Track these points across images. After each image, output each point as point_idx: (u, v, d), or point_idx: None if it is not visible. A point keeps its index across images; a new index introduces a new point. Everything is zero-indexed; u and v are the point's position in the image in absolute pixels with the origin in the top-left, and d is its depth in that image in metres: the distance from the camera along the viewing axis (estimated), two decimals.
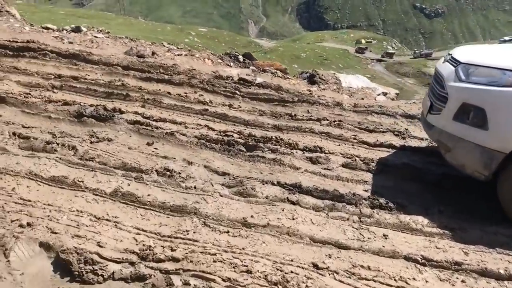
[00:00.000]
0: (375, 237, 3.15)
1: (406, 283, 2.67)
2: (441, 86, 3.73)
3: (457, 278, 2.75)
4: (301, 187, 3.76)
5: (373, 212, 3.49)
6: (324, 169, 4.21)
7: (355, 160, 4.41)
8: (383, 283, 2.66)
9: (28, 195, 3.35)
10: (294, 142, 4.62)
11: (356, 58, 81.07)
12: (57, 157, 3.92)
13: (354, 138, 4.89)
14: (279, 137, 4.69)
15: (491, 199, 3.58)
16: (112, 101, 5.37)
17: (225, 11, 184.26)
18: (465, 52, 3.90)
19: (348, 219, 3.41)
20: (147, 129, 4.61)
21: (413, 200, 3.73)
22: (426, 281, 2.71)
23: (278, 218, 3.31)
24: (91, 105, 5.06)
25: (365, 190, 3.90)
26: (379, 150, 4.72)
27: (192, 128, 4.84)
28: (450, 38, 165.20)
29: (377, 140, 4.87)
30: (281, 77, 6.79)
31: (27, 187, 3.47)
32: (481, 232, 3.21)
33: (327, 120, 5.28)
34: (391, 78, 70.22)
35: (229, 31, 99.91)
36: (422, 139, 5.05)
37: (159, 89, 5.79)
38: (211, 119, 5.18)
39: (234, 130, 4.85)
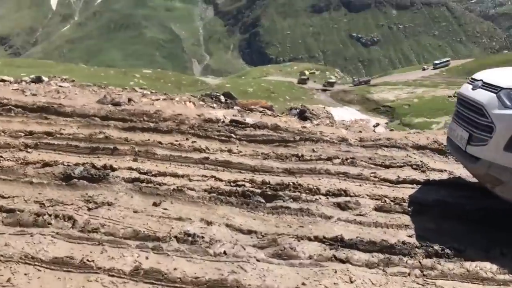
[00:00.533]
0: None
1: None
2: (481, 114, 3.43)
3: None
4: (343, 240, 3.32)
5: (434, 262, 3.08)
6: (358, 215, 3.80)
7: (385, 201, 4.03)
8: None
9: (29, 286, 2.70)
10: (314, 187, 4.18)
11: (302, 89, 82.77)
12: (52, 231, 3.28)
13: (375, 176, 4.52)
14: (296, 182, 4.25)
15: None
16: (99, 158, 4.75)
17: (167, 52, 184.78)
18: (502, 77, 3.63)
19: (409, 274, 2.98)
20: (149, 186, 4.03)
21: (465, 242, 3.36)
22: None
23: (334, 283, 2.84)
24: (76, 164, 4.43)
25: (410, 236, 3.51)
26: (403, 187, 4.37)
27: (198, 180, 4.31)
28: (388, 64, 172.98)
29: (398, 176, 4.53)
30: (270, 115, 6.41)
31: (25, 275, 2.82)
32: None
33: (338, 158, 4.90)
34: (338, 106, 72.06)
35: (173, 71, 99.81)
36: (441, 171, 4.76)
37: (148, 139, 5.23)
38: (214, 168, 4.67)
39: (244, 178, 4.35)
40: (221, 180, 4.34)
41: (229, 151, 5.08)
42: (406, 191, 4.29)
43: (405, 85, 76.44)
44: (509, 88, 3.31)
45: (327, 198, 4.07)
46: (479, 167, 3.48)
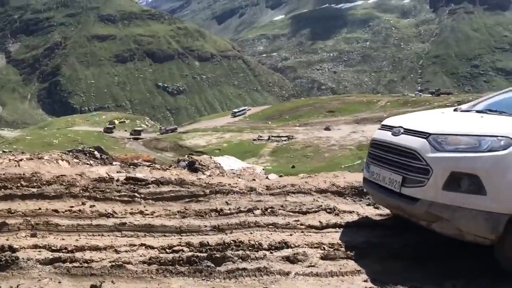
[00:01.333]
0: None
1: None
2: (415, 158, 3.72)
3: None
4: None
5: None
6: (310, 266, 3.75)
7: (324, 248, 4.08)
8: None
9: None
10: (256, 243, 4.00)
11: (113, 138, 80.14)
12: None
13: (301, 224, 4.57)
14: (237, 239, 4.01)
15: (480, 259, 3.73)
16: None
17: None
18: (425, 123, 4.05)
19: None
20: (78, 266, 3.32)
21: (416, 280, 3.59)
22: None
23: None
24: None
25: (366, 281, 3.59)
26: (329, 232, 4.51)
27: (127, 251, 3.73)
28: (195, 111, 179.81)
29: (320, 222, 4.65)
30: (160, 169, 5.98)
31: None
32: None
33: (258, 209, 4.82)
34: (152, 154, 71.47)
35: None
36: (350, 212, 5.06)
37: (39, 208, 4.35)
38: (134, 234, 4.12)
39: (180, 242, 3.93)
40: (152, 248, 3.84)
41: (141, 212, 4.55)
42: (335, 236, 4.41)
43: (214, 131, 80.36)
44: (437, 134, 3.71)
45: (272, 252, 3.93)
46: (418, 207, 3.70)
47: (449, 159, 3.54)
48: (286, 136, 79.69)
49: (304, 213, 4.90)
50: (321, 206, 5.09)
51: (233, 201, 5.06)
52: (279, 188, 5.44)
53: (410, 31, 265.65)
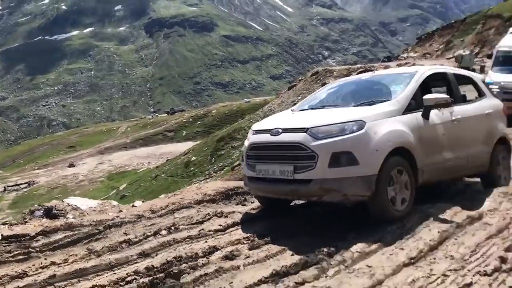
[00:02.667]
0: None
1: None
2: (301, 149, 4.75)
3: None
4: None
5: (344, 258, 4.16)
6: (247, 257, 4.36)
7: (244, 242, 4.73)
8: None
9: None
10: (192, 253, 4.38)
11: None
12: None
13: (208, 231, 5.07)
14: (176, 256, 4.31)
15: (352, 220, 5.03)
16: None
17: None
18: (301, 121, 5.13)
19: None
20: None
21: (324, 244, 4.59)
22: None
23: None
24: None
25: (292, 254, 4.42)
26: (233, 231, 5.15)
27: None
28: None
29: (220, 225, 5.23)
30: (18, 224, 5.44)
31: None
32: None
33: (162, 230, 5.07)
34: None
35: None
36: (233, 212, 5.78)
37: None
38: (68, 283, 3.92)
39: (127, 274, 3.98)
40: (105, 286, 3.79)
41: (53, 263, 4.28)
42: (240, 232, 5.09)
43: None
44: (312, 127, 4.81)
45: (208, 257, 4.35)
46: (312, 186, 4.72)
47: (328, 144, 4.69)
48: (25, 183, 72.50)
49: (201, 222, 5.38)
50: (209, 213, 5.65)
51: (130, 230, 5.14)
52: (163, 209, 5.73)
53: (132, 56, 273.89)
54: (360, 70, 27.74)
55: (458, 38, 54.01)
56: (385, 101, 5.32)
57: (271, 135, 5.07)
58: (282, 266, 3.94)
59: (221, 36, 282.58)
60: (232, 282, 3.80)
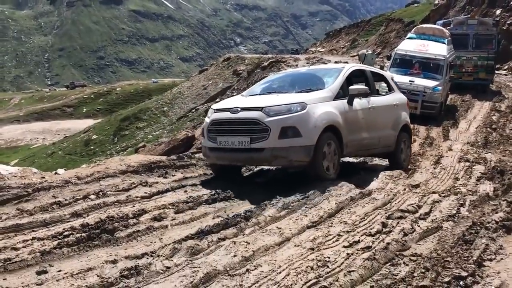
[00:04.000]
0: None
1: None
2: (257, 124, 5.92)
3: None
4: (203, 231, 4.51)
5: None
6: (173, 220, 4.91)
7: (169, 208, 5.25)
8: None
9: None
10: (123, 214, 4.84)
11: None
12: None
13: (135, 197, 5.52)
14: (107, 216, 4.72)
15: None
16: None
17: None
18: (253, 102, 6.33)
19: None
20: None
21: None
22: None
23: None
24: None
25: (213, 218, 5.06)
26: (158, 198, 5.65)
27: (26, 246, 3.94)
28: None
29: (146, 193, 5.71)
30: None
31: None
32: None
33: (91, 194, 5.42)
34: None
35: None
36: (157, 182, 6.26)
37: None
38: (5, 236, 4.20)
39: (64, 229, 4.36)
40: (43, 239, 4.14)
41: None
42: (165, 199, 5.62)
43: None
44: (266, 107, 6.01)
45: (138, 219, 4.83)
46: (265, 153, 5.94)
47: (279, 120, 5.93)
48: None
49: (127, 190, 5.81)
50: (134, 183, 6.08)
51: (59, 194, 5.43)
52: (89, 177, 6.04)
53: (29, 23, 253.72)
54: (271, 60, 28.84)
55: (363, 37, 57.90)
56: (320, 89, 6.70)
57: (231, 112, 6.21)
58: (206, 225, 4.56)
59: (130, 10, 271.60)
60: (162, 238, 4.34)
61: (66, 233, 4.29)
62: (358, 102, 6.98)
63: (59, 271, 3.53)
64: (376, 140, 7.53)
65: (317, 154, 6.05)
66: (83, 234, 4.24)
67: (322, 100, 6.38)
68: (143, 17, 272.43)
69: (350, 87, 6.89)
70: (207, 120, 6.65)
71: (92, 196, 5.39)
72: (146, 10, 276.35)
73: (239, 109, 6.19)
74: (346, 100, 6.76)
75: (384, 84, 8.92)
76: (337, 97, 6.66)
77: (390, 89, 8.56)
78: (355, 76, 7.68)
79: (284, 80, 7.82)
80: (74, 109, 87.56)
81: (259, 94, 7.13)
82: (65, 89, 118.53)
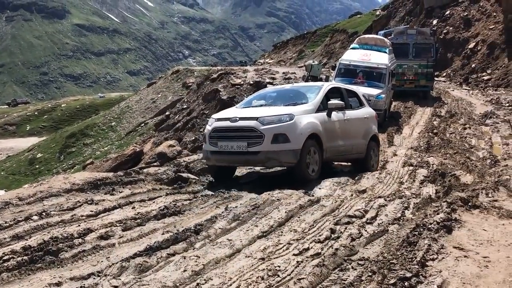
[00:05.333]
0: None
1: None
2: (253, 131, 7.04)
3: None
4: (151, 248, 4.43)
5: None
6: (121, 237, 4.80)
7: (116, 225, 5.13)
8: None
9: None
10: (68, 235, 4.66)
11: None
12: None
13: (81, 216, 5.35)
14: (51, 237, 4.54)
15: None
16: None
17: None
18: (250, 113, 7.44)
19: None
20: None
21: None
22: None
23: None
24: None
25: (162, 233, 4.98)
26: (104, 216, 5.51)
27: None
28: None
29: (92, 211, 5.55)
30: None
31: None
32: None
33: (34, 215, 5.20)
34: None
35: None
36: (103, 200, 6.07)
37: None
38: None
39: (4, 253, 4.14)
40: None
41: None
42: (112, 217, 5.48)
43: None
44: (261, 117, 7.14)
45: (84, 238, 4.68)
46: (260, 156, 7.07)
47: (271, 128, 7.04)
48: None
49: (72, 209, 5.63)
50: (79, 201, 5.89)
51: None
52: (31, 197, 5.80)
53: None
54: (221, 72, 28.85)
55: (310, 48, 59.16)
56: (304, 103, 7.94)
57: (231, 121, 7.35)
58: (155, 241, 4.47)
59: (74, 24, 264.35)
60: (109, 257, 4.21)
61: (6, 257, 4.08)
62: (335, 115, 8.15)
63: None
64: (350, 147, 8.63)
65: (303, 157, 7.14)
66: (25, 257, 4.05)
67: (306, 112, 7.57)
68: (88, 31, 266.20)
69: (329, 102, 8.09)
70: (208, 127, 7.72)
71: (35, 217, 5.17)
72: (90, 24, 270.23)
73: (237, 118, 7.28)
74: (325, 113, 7.95)
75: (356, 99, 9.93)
76: (318, 110, 7.84)
77: (361, 104, 9.68)
78: (332, 93, 8.72)
79: (273, 95, 9.01)
80: (17, 127, 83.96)
81: (253, 107, 8.21)
82: (7, 106, 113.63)
